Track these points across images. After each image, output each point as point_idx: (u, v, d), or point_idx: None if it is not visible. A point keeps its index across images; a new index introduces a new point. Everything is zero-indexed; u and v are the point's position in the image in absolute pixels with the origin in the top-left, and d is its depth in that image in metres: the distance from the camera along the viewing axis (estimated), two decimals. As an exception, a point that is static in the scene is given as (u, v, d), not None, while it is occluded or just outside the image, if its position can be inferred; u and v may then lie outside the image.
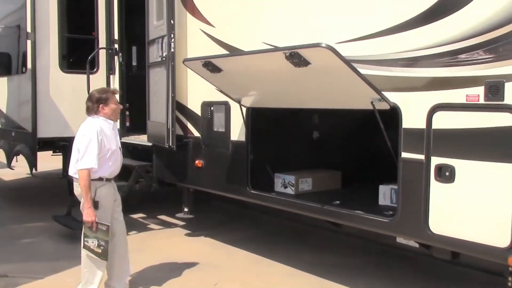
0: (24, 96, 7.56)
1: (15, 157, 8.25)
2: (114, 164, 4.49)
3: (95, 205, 4.32)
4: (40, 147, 7.52)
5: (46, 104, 7.26)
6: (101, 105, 4.43)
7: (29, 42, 7.19)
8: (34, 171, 7.69)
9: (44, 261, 5.64)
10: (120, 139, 7.16)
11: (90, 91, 4.90)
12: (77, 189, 4.42)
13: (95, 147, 4.27)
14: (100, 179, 4.39)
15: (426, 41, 3.66)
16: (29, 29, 7.16)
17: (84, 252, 4.41)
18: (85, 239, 4.35)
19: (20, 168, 9.13)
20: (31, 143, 7.37)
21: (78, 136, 4.42)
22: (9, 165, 8.46)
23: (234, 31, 5.31)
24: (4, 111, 8.52)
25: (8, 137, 8.26)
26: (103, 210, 4.38)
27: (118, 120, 4.91)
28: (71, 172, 4.44)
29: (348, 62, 3.65)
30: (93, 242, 4.32)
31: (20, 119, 7.83)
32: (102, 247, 4.32)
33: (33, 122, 7.19)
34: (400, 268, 5.48)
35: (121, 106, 4.77)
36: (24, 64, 7.56)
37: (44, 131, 7.29)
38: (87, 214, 4.25)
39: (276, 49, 4.43)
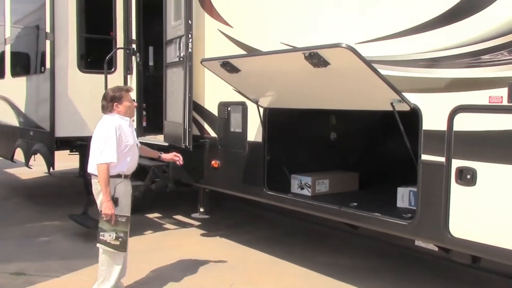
0: (42, 96, 7.62)
1: (32, 156, 8.32)
2: (132, 159, 4.55)
3: (115, 202, 4.36)
4: (57, 146, 7.58)
5: (64, 103, 7.30)
6: (115, 104, 4.50)
7: (47, 42, 7.24)
8: (51, 170, 7.74)
9: (61, 259, 5.67)
10: (137, 138, 7.25)
11: (105, 90, 4.96)
12: (96, 187, 4.45)
13: (114, 142, 4.33)
14: (119, 175, 4.44)
15: (448, 41, 3.60)
16: (48, 29, 7.21)
17: (101, 249, 4.42)
18: (101, 233, 4.36)
19: (37, 167, 9.21)
20: (49, 143, 7.42)
21: (96, 133, 4.48)
22: (27, 164, 8.53)
23: (252, 31, 5.30)
24: (23, 110, 8.59)
25: (26, 136, 8.34)
26: (122, 207, 4.43)
27: (134, 118, 4.93)
28: (91, 169, 4.47)
29: (368, 63, 3.61)
30: (110, 235, 4.34)
31: (38, 118, 7.89)
32: (120, 239, 4.35)
33: (51, 121, 7.24)
34: (418, 271, 5.40)
35: (135, 104, 4.81)
36: (43, 64, 7.62)
37: (62, 131, 7.33)
38: (107, 207, 4.28)
39: (295, 49, 4.40)
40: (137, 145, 4.67)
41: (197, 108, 6.01)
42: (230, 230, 6.96)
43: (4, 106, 9.34)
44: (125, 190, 4.50)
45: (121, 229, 4.35)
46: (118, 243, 4.35)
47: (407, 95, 3.82)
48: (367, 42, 4.09)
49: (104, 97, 4.57)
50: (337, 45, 3.56)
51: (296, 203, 5.09)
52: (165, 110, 6.54)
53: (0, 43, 9.69)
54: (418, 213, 3.88)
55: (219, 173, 5.85)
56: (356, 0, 4.28)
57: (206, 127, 6.00)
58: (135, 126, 4.89)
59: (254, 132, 5.30)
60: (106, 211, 4.29)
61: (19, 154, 8.94)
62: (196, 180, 6.33)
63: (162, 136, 6.74)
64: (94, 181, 4.47)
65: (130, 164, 4.53)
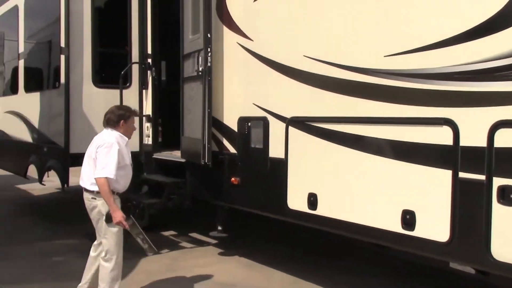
0: (57, 111, 7.50)
1: (46, 172, 8.18)
2: (127, 178, 4.65)
3: (108, 219, 4.40)
4: (71, 162, 7.43)
5: (78, 119, 7.17)
6: (122, 121, 4.60)
7: (62, 57, 7.13)
8: (65, 186, 7.59)
9: (76, 280, 5.45)
10: (153, 154, 7.14)
11: (112, 105, 4.97)
12: (89, 203, 4.52)
13: (115, 157, 4.39)
14: (112, 193, 4.45)
15: (488, 53, 3.40)
16: (63, 44, 7.10)
17: (111, 266, 4.50)
18: (136, 239, 4.65)
19: (49, 183, 9.06)
20: (64, 159, 7.28)
21: (95, 146, 4.49)
22: (40, 180, 8.39)
23: (273, 45, 5.13)
24: (37, 126, 8.47)
25: (40, 152, 8.20)
26: (113, 224, 4.47)
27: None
28: (85, 183, 4.54)
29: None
30: (139, 240, 4.63)
31: (52, 134, 7.76)
32: (145, 241, 4.60)
33: (66, 137, 7.10)
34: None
35: (135, 128, 4.92)
36: (57, 79, 7.50)
37: (77, 147, 7.16)
38: (116, 217, 4.35)
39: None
40: (131, 165, 4.73)
41: (216, 123, 5.83)
42: (249, 248, 6.75)
43: (18, 122, 9.23)
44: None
45: (137, 232, 4.57)
46: (146, 246, 4.62)
47: (442, 109, 3.63)
48: (399, 54, 3.91)
49: (112, 112, 4.66)
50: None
51: (321, 222, 4.85)
52: (182, 126, 6.38)
53: (13, 59, 9.63)
54: (456, 234, 3.66)
55: (239, 190, 5.66)
56: (388, 10, 4.09)
57: (225, 143, 5.82)
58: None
59: (276, 147, 5.12)
60: (116, 220, 4.35)
61: (32, 170, 8.81)
62: (214, 197, 6.14)
63: (178, 151, 6.60)
64: (86, 196, 4.53)
65: (124, 183, 4.61)
